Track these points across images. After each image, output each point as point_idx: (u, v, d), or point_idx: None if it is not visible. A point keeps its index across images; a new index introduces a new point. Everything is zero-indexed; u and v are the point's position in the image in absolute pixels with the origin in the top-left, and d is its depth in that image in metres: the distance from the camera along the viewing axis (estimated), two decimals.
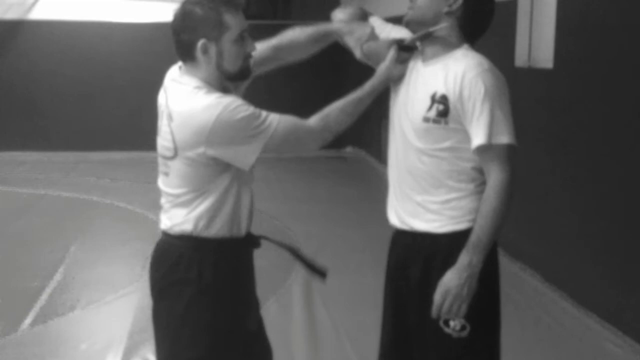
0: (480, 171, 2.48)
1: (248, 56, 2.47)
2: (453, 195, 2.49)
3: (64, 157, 11.08)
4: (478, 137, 2.39)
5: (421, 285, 2.55)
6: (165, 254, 2.55)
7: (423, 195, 2.53)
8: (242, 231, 2.57)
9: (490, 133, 2.38)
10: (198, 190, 2.45)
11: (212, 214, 2.47)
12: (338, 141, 11.68)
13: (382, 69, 2.59)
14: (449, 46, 2.51)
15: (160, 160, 2.53)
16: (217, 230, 2.49)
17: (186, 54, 2.44)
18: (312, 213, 7.80)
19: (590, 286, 4.87)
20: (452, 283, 2.40)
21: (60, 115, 11.30)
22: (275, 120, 2.42)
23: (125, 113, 11.06)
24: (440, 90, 2.44)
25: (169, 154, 2.44)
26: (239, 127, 2.35)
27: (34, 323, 4.78)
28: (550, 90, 5.37)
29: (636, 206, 4.41)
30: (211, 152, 2.36)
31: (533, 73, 5.65)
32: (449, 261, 2.46)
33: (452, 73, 2.44)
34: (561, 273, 5.21)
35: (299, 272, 5.72)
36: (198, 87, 2.41)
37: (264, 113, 2.41)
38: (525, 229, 5.37)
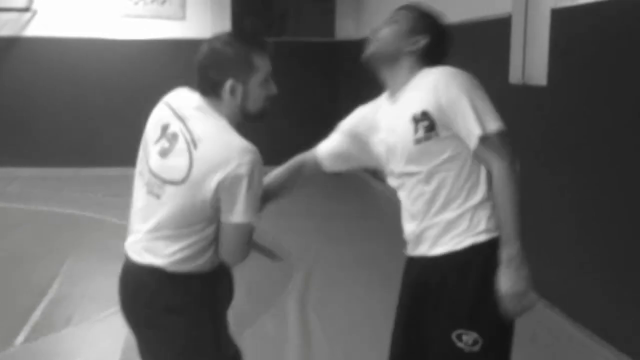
0: (483, 177, 2.51)
1: (269, 98, 2.51)
2: (461, 209, 2.51)
3: (57, 172, 11.06)
4: (474, 132, 2.43)
5: (437, 300, 2.56)
6: (143, 284, 2.51)
7: (432, 220, 2.55)
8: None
9: (481, 124, 2.43)
10: (187, 226, 2.41)
11: (196, 252, 2.46)
12: None
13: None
14: (409, 77, 2.60)
15: (150, 180, 2.47)
16: (200, 265, 2.48)
17: (211, 91, 2.44)
18: (306, 228, 7.80)
19: (585, 302, 4.87)
20: (505, 287, 2.43)
21: (55, 131, 11.29)
22: (251, 222, 2.42)
23: (119, 129, 11.04)
24: (418, 109, 2.48)
25: (177, 177, 2.38)
26: (251, 194, 2.36)
27: (27, 340, 4.75)
28: (544, 106, 5.39)
29: (631, 219, 4.42)
30: (218, 192, 2.36)
31: (527, 90, 5.67)
32: (463, 273, 2.50)
33: (423, 89, 2.50)
34: (555, 288, 5.20)
35: (295, 286, 5.73)
36: (225, 125, 2.43)
37: (257, 205, 2.43)
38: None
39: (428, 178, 2.52)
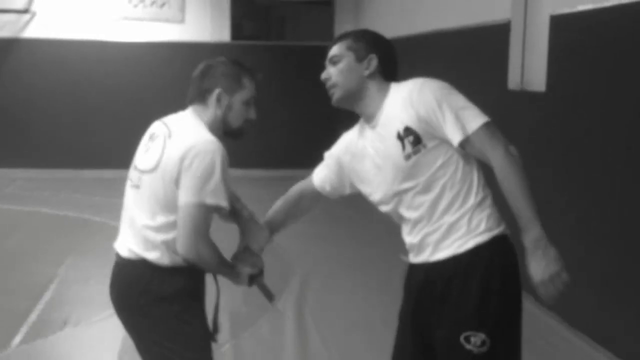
0: (476, 177, 2.53)
1: (249, 121, 2.77)
2: (461, 211, 2.51)
3: (56, 174, 11.07)
4: (455, 136, 2.45)
5: (443, 303, 2.56)
6: (133, 276, 2.72)
7: (434, 228, 2.55)
8: None
9: (462, 126, 2.45)
10: (164, 216, 2.60)
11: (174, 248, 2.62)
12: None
13: (234, 274, 2.77)
14: (381, 97, 2.62)
15: (133, 175, 2.73)
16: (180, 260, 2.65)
17: (200, 97, 2.72)
18: (306, 233, 7.78)
19: (583, 309, 4.87)
20: (538, 273, 2.39)
21: (53, 133, 11.29)
22: (213, 199, 2.56)
23: (118, 131, 11.05)
24: (400, 126, 2.51)
25: (151, 165, 2.63)
26: (206, 175, 2.54)
27: (23, 341, 4.75)
28: (543, 112, 5.39)
29: (628, 224, 4.42)
30: (180, 174, 2.56)
31: (525, 96, 5.68)
32: (469, 274, 2.50)
33: (399, 105, 2.52)
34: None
35: (292, 290, 5.73)
36: (201, 125, 2.68)
37: (221, 187, 2.57)
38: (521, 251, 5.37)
39: (426, 188, 2.52)
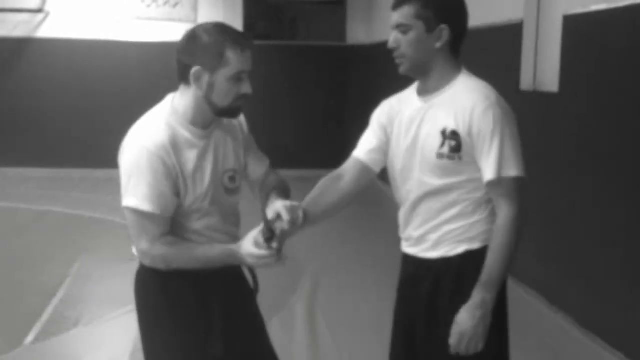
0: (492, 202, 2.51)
1: (241, 97, 2.42)
2: (465, 222, 2.52)
3: (68, 173, 11.12)
4: (488, 173, 2.41)
5: (430, 301, 2.58)
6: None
7: (436, 229, 2.56)
8: None
9: (499, 168, 2.40)
10: None
11: None
12: (335, 160, 11.71)
13: (240, 252, 2.39)
14: (446, 76, 2.51)
15: None
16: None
17: (181, 76, 2.42)
18: (316, 231, 7.76)
19: (595, 309, 4.86)
20: (466, 325, 2.42)
21: (66, 132, 11.34)
22: (135, 201, 2.43)
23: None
24: (450, 126, 2.44)
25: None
26: (126, 168, 2.46)
27: (36, 340, 4.78)
28: (556, 113, 5.38)
29: None
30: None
31: (538, 96, 5.67)
32: (459, 278, 2.51)
33: (459, 108, 2.43)
34: (566, 296, 5.19)
35: (303, 289, 5.73)
36: (170, 109, 2.46)
37: (144, 189, 2.40)
38: (529, 252, 5.36)
39: (441, 192, 2.51)
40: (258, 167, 2.72)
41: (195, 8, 11.51)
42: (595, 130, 4.90)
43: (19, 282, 6.02)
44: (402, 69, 2.54)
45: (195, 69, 2.35)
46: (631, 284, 4.49)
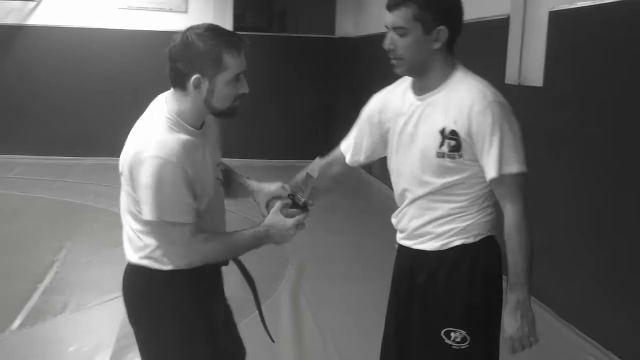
0: (492, 195, 2.53)
1: (239, 96, 2.42)
2: (462, 216, 2.53)
3: (58, 161, 11.11)
4: (490, 171, 2.41)
5: (424, 294, 2.59)
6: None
7: (433, 222, 2.57)
8: None
9: (501, 165, 2.40)
10: (137, 222, 2.44)
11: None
12: (328, 151, 11.70)
13: (274, 231, 2.47)
14: (444, 75, 2.49)
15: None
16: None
17: (178, 83, 2.39)
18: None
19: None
20: (511, 329, 2.46)
21: (56, 119, 11.32)
22: (167, 215, 2.34)
23: (120, 119, 11.02)
24: (449, 126, 2.43)
25: (120, 169, 2.44)
26: (154, 184, 2.30)
27: (22, 325, 4.80)
28: (540, 107, 5.42)
29: (628, 220, 4.45)
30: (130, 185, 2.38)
31: (523, 90, 5.72)
32: (453, 272, 2.53)
33: (457, 107, 2.42)
34: (551, 290, 5.25)
35: (289, 279, 5.78)
36: (167, 119, 2.39)
37: (173, 201, 2.34)
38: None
39: (440, 191, 2.52)
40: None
41: None
42: (578, 124, 4.95)
43: (7, 268, 6.03)
44: (399, 71, 2.52)
45: (194, 77, 2.33)
46: (622, 281, 4.55)
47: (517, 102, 5.63)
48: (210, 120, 2.57)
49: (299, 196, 2.53)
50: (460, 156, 2.44)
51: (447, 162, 2.46)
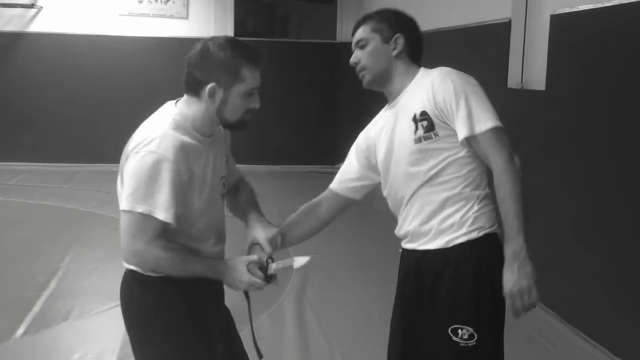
0: (483, 175, 2.55)
1: (249, 110, 2.45)
2: (459, 207, 2.54)
3: (61, 168, 11.13)
4: (461, 131, 2.46)
5: (432, 294, 2.60)
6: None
7: (433, 217, 2.58)
8: None
9: (471, 124, 2.45)
10: None
11: None
12: (331, 157, 11.71)
13: (230, 274, 2.45)
14: (407, 78, 2.64)
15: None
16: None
17: (193, 89, 2.42)
18: None
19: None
20: (509, 284, 2.41)
21: (58, 127, 11.34)
22: (146, 208, 2.32)
23: (123, 126, 11.03)
24: (418, 109, 2.52)
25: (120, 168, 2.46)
26: (140, 175, 2.31)
27: (26, 332, 4.80)
28: (542, 111, 5.42)
29: (629, 222, 4.45)
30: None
31: (525, 94, 5.72)
32: (459, 269, 2.53)
33: (422, 90, 2.53)
34: (552, 291, 5.25)
35: (293, 286, 5.77)
36: (174, 119, 2.41)
37: (158, 196, 2.32)
38: None
39: (430, 181, 2.55)
40: (233, 173, 2.79)
41: (186, 4, 11.54)
42: (581, 128, 4.95)
43: (10, 275, 6.04)
44: (365, 82, 2.69)
45: (210, 86, 2.36)
46: (623, 282, 4.55)
47: (519, 106, 5.69)
48: (220, 133, 2.59)
49: (271, 265, 2.52)
50: (436, 135, 2.50)
51: (426, 144, 2.52)
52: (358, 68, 2.69)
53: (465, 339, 2.52)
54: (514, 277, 2.41)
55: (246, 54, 2.39)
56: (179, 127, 2.40)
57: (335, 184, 2.90)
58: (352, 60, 2.70)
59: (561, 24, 5.17)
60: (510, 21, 5.90)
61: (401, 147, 2.59)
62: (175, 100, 2.51)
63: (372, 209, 8.75)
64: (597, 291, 4.74)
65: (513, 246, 2.42)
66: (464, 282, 2.53)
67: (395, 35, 2.63)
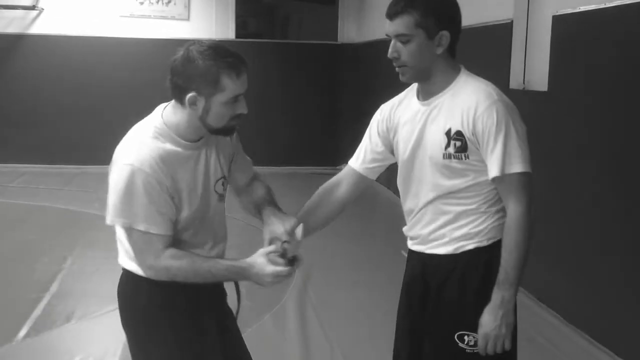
0: (500, 201, 2.51)
1: (236, 117, 2.40)
2: (475, 219, 2.53)
3: (62, 169, 11.13)
4: (493, 170, 2.41)
5: (438, 298, 2.59)
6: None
7: (447, 226, 2.56)
8: None
9: (504, 164, 2.40)
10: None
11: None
12: (333, 159, 11.69)
13: (252, 272, 2.39)
14: (447, 78, 2.51)
15: None
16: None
17: (176, 95, 2.39)
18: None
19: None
20: (489, 326, 2.43)
21: (60, 128, 11.33)
22: (132, 222, 2.37)
23: (124, 128, 10.96)
24: (455, 127, 2.44)
25: None
26: (117, 188, 2.36)
27: (28, 334, 4.80)
28: (545, 112, 5.42)
29: (632, 224, 4.44)
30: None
31: (527, 95, 5.71)
32: (467, 275, 2.52)
33: (462, 108, 2.44)
34: (554, 291, 5.24)
35: (295, 286, 5.77)
36: (155, 127, 2.42)
37: (139, 210, 2.35)
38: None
39: (451, 192, 2.52)
40: (245, 173, 2.76)
41: (187, 6, 11.53)
42: (583, 129, 4.94)
43: (12, 277, 6.04)
44: (404, 78, 2.54)
45: (190, 95, 2.31)
46: (625, 283, 4.54)
47: (521, 107, 5.64)
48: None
49: (288, 248, 2.44)
50: (467, 157, 2.45)
51: (454, 163, 2.47)
52: (398, 63, 2.50)
53: (471, 346, 2.51)
54: (495, 322, 2.42)
55: (225, 62, 2.31)
56: (160, 135, 2.40)
57: (358, 163, 2.79)
58: (392, 54, 2.49)
59: (563, 25, 5.16)
60: (512, 22, 5.90)
61: (428, 154, 2.53)
62: (167, 103, 2.49)
63: (373, 209, 8.76)
64: (599, 292, 4.74)
65: (503, 293, 2.42)
66: (471, 289, 2.52)
67: (442, 33, 2.44)
